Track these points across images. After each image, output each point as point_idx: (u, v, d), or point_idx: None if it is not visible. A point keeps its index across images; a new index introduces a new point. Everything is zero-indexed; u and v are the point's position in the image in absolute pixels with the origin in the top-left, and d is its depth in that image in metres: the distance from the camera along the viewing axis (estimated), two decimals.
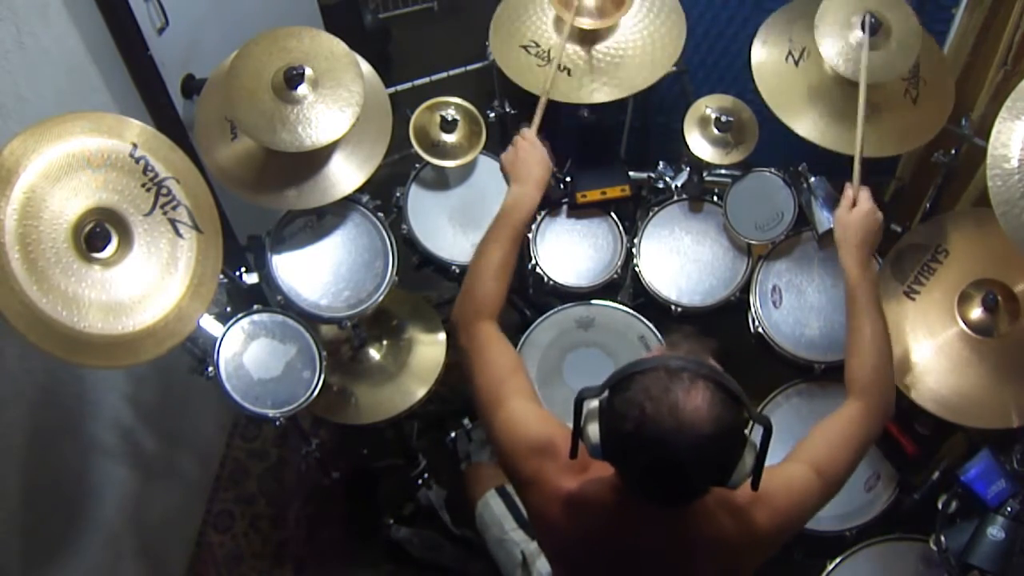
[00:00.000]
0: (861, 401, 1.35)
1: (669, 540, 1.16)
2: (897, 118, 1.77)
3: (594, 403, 1.08)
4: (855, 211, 1.54)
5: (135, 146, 1.42)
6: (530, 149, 1.57)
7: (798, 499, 1.21)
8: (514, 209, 1.50)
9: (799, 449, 1.29)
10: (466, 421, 2.15)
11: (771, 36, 1.84)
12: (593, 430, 1.07)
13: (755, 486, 1.05)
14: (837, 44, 1.68)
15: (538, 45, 1.88)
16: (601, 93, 1.86)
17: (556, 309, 2.00)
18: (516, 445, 1.24)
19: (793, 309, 1.92)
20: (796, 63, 1.80)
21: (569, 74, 1.86)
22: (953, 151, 1.83)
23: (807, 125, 1.77)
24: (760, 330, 1.90)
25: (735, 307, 1.97)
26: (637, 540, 1.17)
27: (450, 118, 1.93)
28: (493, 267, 1.43)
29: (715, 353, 1.10)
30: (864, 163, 1.62)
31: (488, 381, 1.32)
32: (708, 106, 1.97)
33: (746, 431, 1.04)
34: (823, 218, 1.91)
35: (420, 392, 2.01)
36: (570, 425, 1.12)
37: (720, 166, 2.01)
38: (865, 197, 1.56)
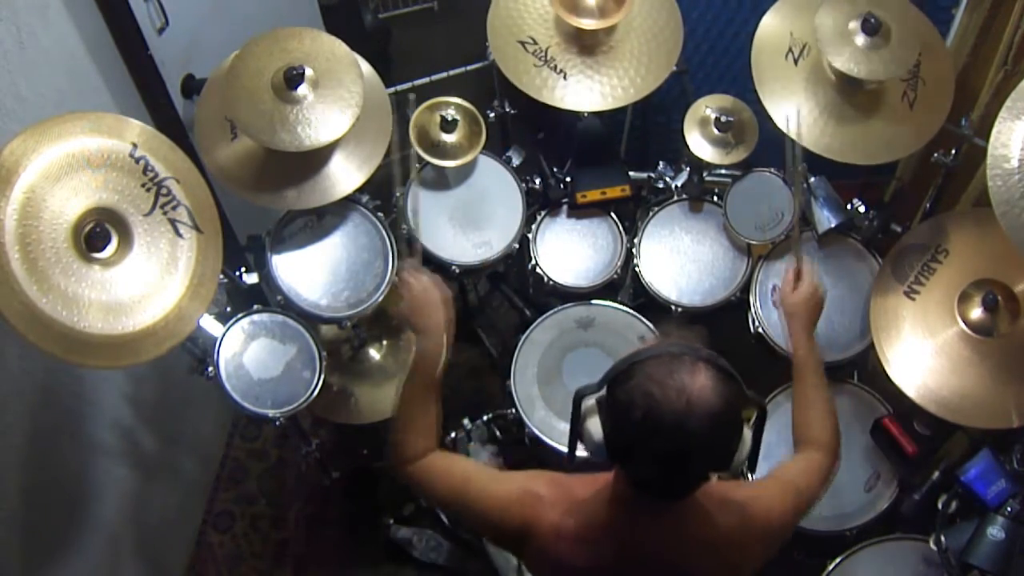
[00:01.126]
0: (825, 450, 1.39)
1: (670, 544, 1.16)
2: (894, 122, 1.76)
3: (592, 400, 1.08)
4: (800, 291, 1.56)
5: (135, 146, 1.42)
6: (422, 293, 1.39)
7: (787, 510, 1.24)
8: (423, 365, 1.36)
9: (782, 472, 1.32)
10: (466, 421, 2.14)
11: (772, 32, 1.84)
12: (595, 428, 1.06)
13: (752, 467, 1.07)
14: (838, 43, 1.68)
15: (536, 42, 1.88)
16: (598, 99, 1.86)
17: (556, 309, 2.00)
18: (493, 510, 1.23)
19: None
20: (796, 61, 1.80)
21: (565, 78, 1.86)
22: (953, 151, 1.83)
23: (802, 128, 1.76)
24: (760, 330, 1.90)
25: (735, 307, 1.97)
26: (645, 551, 1.16)
27: (450, 118, 1.93)
28: (415, 425, 1.36)
29: (704, 340, 1.11)
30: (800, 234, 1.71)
31: (445, 500, 1.33)
32: (708, 106, 1.97)
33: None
34: (823, 218, 1.91)
35: None
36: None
37: (720, 166, 2.01)
38: (807, 274, 1.57)
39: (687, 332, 1.11)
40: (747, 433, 1.06)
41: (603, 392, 1.06)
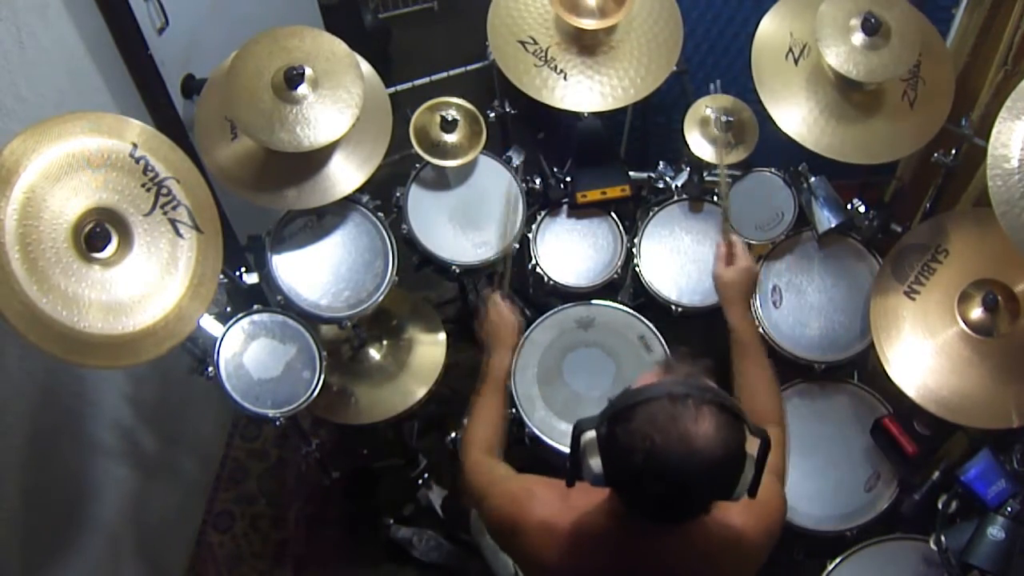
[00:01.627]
0: (777, 426, 1.43)
1: (670, 558, 1.16)
2: (894, 122, 1.77)
3: (591, 434, 1.07)
4: (734, 268, 1.62)
5: (135, 146, 1.42)
6: (501, 320, 1.70)
7: (778, 505, 1.26)
8: (497, 372, 1.63)
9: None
10: (466, 421, 2.14)
11: (772, 31, 1.84)
12: (595, 463, 1.05)
13: (753, 495, 1.07)
14: (838, 43, 1.68)
15: (536, 42, 1.88)
16: (598, 99, 1.86)
17: (556, 309, 1.99)
18: (498, 505, 1.28)
19: (793, 309, 1.92)
20: (796, 61, 1.80)
21: (566, 78, 1.86)
22: (953, 151, 1.83)
23: (802, 127, 1.76)
24: (760, 330, 1.89)
25: None
26: (639, 563, 1.16)
27: (450, 118, 1.93)
28: (488, 420, 1.56)
29: (710, 371, 1.11)
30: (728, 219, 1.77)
31: (475, 495, 1.40)
32: (708, 106, 1.97)
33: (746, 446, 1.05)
34: (823, 218, 1.91)
35: (420, 392, 2.01)
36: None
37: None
38: (741, 251, 1.64)
39: (692, 367, 1.10)
40: (749, 463, 1.05)
41: (603, 427, 1.06)
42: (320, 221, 1.86)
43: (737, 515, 1.18)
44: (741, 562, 1.20)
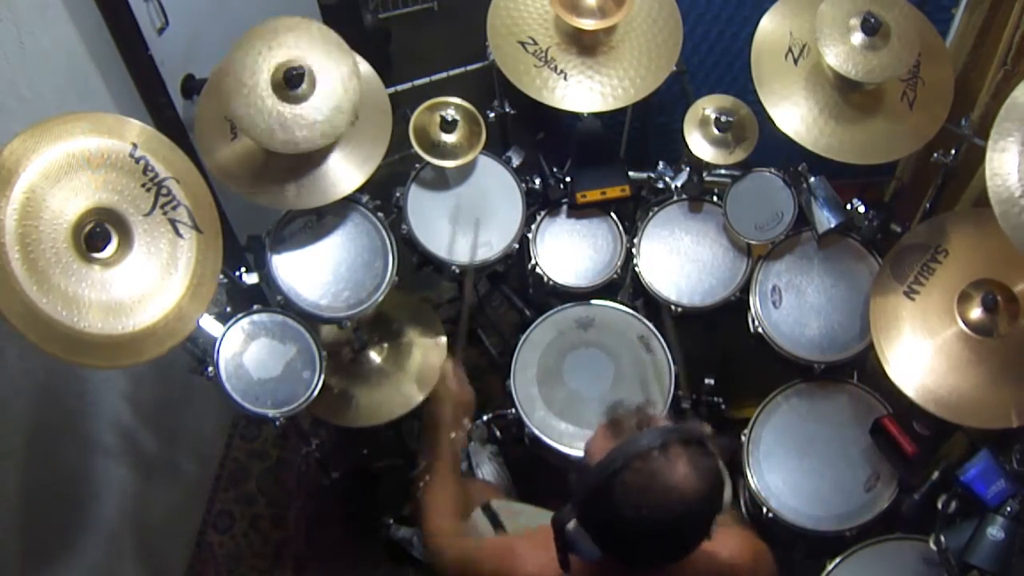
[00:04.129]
0: None
1: None
2: (894, 122, 1.77)
3: (574, 523, 1.08)
4: None
5: (135, 146, 1.42)
6: (460, 393, 1.68)
7: (757, 543, 1.28)
8: (450, 450, 1.62)
9: None
10: (466, 422, 2.14)
11: (772, 31, 1.84)
12: (589, 546, 1.07)
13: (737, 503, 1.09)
14: (838, 43, 1.68)
15: (536, 43, 1.88)
16: (598, 99, 1.86)
17: (556, 309, 2.00)
18: (488, 566, 1.30)
19: (793, 309, 1.92)
20: (795, 61, 1.80)
21: (566, 78, 1.86)
22: (953, 151, 1.83)
23: (801, 127, 1.76)
24: (760, 330, 1.90)
25: (735, 307, 1.97)
26: None
27: (450, 118, 1.93)
28: (447, 489, 1.55)
29: (648, 404, 1.13)
30: None
31: (445, 554, 1.43)
32: (708, 106, 1.97)
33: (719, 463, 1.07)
34: (823, 218, 1.91)
35: (420, 396, 2.01)
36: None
37: (720, 166, 2.01)
38: None
39: (636, 412, 1.12)
40: (726, 475, 1.08)
41: (584, 510, 1.07)
42: (320, 221, 1.86)
43: (725, 548, 1.20)
44: None
